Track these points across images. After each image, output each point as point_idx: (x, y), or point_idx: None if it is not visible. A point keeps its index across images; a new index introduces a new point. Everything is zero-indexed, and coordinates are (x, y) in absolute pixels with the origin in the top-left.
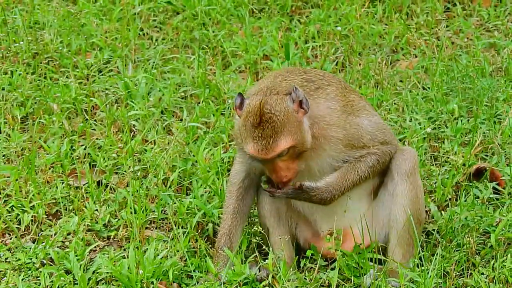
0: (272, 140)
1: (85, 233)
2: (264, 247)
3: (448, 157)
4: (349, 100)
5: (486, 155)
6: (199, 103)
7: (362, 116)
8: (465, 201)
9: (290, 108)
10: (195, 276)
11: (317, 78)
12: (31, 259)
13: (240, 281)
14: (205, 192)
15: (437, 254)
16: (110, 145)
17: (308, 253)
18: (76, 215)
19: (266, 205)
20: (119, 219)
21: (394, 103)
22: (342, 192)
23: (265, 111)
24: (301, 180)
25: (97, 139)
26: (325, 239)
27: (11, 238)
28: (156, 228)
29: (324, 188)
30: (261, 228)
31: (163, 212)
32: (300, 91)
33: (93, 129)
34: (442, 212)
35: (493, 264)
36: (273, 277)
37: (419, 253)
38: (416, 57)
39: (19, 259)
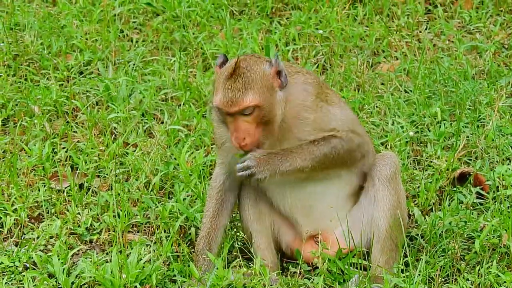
0: (239, 94)
1: (68, 236)
2: (247, 251)
3: (431, 161)
4: (324, 91)
5: (470, 159)
6: (180, 105)
7: (334, 106)
8: (449, 205)
9: (266, 71)
10: (179, 280)
11: (297, 66)
12: (14, 262)
13: (224, 286)
14: (188, 196)
15: (421, 260)
16: (92, 148)
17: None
18: (58, 218)
19: (248, 208)
20: (101, 223)
21: (376, 106)
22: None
23: (240, 65)
24: None
25: (78, 141)
26: (306, 243)
27: None
28: (138, 232)
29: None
30: (243, 233)
31: (145, 216)
32: (281, 63)
33: (75, 132)
34: (426, 216)
35: (478, 269)
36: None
37: (403, 258)
38: (397, 59)
39: (2, 263)
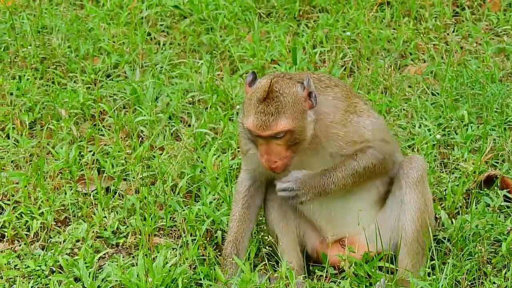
0: (273, 118)
1: (94, 240)
2: (273, 255)
3: (458, 164)
4: (353, 102)
5: (497, 162)
6: (207, 108)
7: (363, 116)
8: (476, 209)
9: (299, 94)
10: (205, 284)
11: (325, 79)
12: (40, 266)
13: None
14: (214, 199)
15: (448, 263)
16: (119, 151)
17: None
18: (85, 222)
19: (273, 211)
20: (127, 226)
21: (403, 109)
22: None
23: (273, 89)
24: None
25: (105, 145)
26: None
27: (20, 245)
28: (164, 236)
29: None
30: (270, 236)
31: (171, 219)
32: (311, 83)
33: (101, 135)
34: (453, 220)
35: (505, 273)
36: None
37: (430, 261)
38: (425, 62)
39: (29, 266)
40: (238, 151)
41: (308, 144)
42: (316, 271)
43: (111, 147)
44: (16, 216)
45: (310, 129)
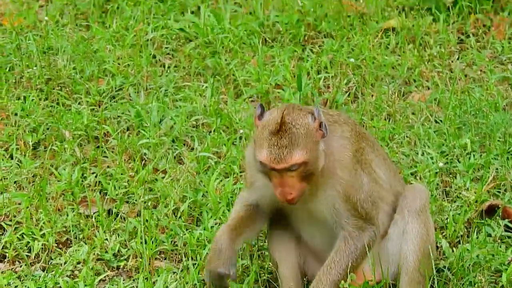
0: (287, 151)
1: (95, 262)
2: (273, 282)
3: (460, 193)
4: (361, 146)
5: (499, 192)
6: (210, 132)
7: (365, 171)
8: (477, 238)
9: (310, 125)
10: None
11: (334, 113)
12: (40, 287)
13: None
14: (215, 224)
15: None
16: (121, 174)
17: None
18: (86, 244)
19: (274, 238)
20: (129, 249)
21: (406, 136)
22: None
23: (286, 121)
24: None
25: (108, 167)
26: None
27: (21, 266)
28: (165, 259)
29: None
30: (270, 263)
31: (173, 243)
32: (321, 113)
33: (105, 157)
34: (454, 248)
35: None
36: None
37: None
38: (429, 89)
39: None
40: (241, 176)
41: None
42: None
43: (114, 170)
44: (17, 237)
45: (322, 160)
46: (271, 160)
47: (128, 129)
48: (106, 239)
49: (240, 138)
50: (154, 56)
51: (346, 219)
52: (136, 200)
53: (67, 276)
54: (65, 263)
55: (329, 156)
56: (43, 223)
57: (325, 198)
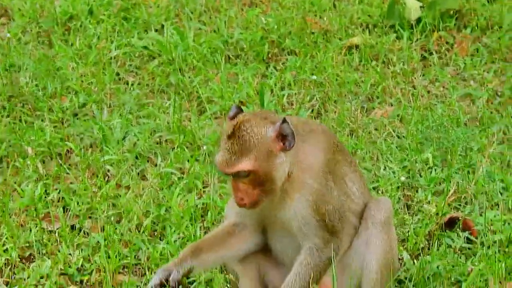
0: (235, 157)
1: (58, 277)
2: None
3: (421, 206)
4: (335, 158)
5: (460, 205)
6: (173, 148)
7: (336, 183)
8: (438, 250)
9: (266, 136)
10: None
11: (312, 123)
12: None
13: None
14: (179, 238)
15: None
16: (84, 190)
17: None
18: (49, 258)
19: None
20: (92, 264)
21: (369, 152)
22: None
23: (241, 127)
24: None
25: (71, 183)
26: None
27: None
28: (129, 273)
29: None
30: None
31: (136, 257)
32: (287, 126)
33: (68, 173)
34: (415, 260)
35: None
36: None
37: None
38: (391, 105)
39: None
40: (204, 191)
41: (280, 187)
42: None
43: (77, 186)
44: None
45: (281, 172)
46: (220, 163)
47: (91, 146)
48: (70, 254)
49: (204, 154)
50: (118, 74)
51: (314, 230)
52: (99, 216)
53: None
54: (28, 277)
55: (299, 164)
56: (6, 238)
57: (294, 207)
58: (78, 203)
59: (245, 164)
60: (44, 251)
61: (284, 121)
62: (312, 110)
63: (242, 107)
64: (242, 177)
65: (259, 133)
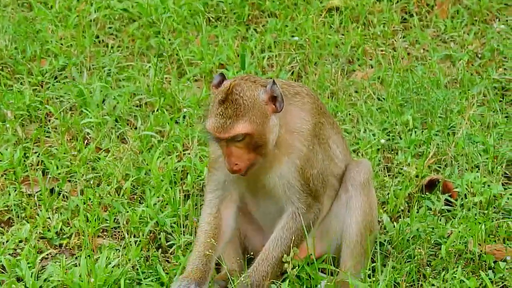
0: (230, 121)
1: (37, 240)
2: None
3: (401, 169)
4: (320, 121)
5: (439, 167)
6: (153, 111)
7: (321, 146)
8: (417, 212)
9: (259, 98)
10: (146, 284)
11: (296, 85)
12: None
13: None
14: (158, 201)
15: (388, 265)
16: (64, 153)
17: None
18: (28, 222)
19: None
20: (71, 227)
21: (349, 114)
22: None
23: (233, 91)
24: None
25: (50, 146)
26: None
27: None
28: (108, 237)
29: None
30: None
31: (115, 220)
32: (277, 88)
33: (47, 137)
34: (395, 223)
35: (444, 275)
36: None
37: (371, 263)
38: (372, 67)
39: None
40: (184, 154)
41: (271, 150)
42: None
43: (56, 149)
44: None
45: (273, 134)
46: (215, 129)
47: (71, 109)
48: (49, 218)
49: (184, 117)
50: (98, 36)
51: (298, 195)
52: (78, 179)
53: (9, 254)
54: (7, 241)
55: (287, 127)
56: None
57: (281, 171)
58: (57, 167)
59: (241, 127)
60: (23, 215)
61: (274, 83)
62: (293, 73)
63: (222, 69)
64: (236, 141)
65: (252, 96)
